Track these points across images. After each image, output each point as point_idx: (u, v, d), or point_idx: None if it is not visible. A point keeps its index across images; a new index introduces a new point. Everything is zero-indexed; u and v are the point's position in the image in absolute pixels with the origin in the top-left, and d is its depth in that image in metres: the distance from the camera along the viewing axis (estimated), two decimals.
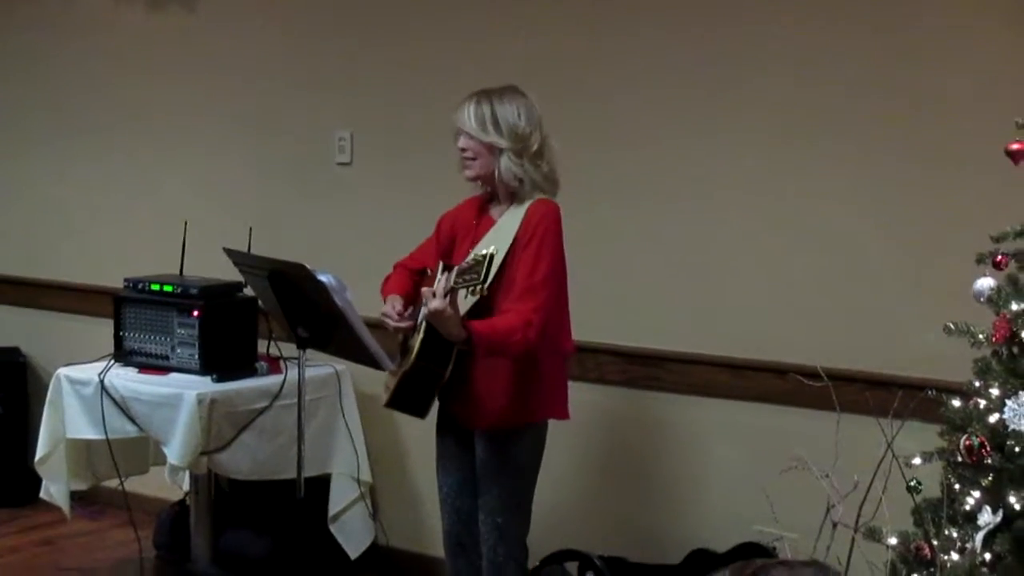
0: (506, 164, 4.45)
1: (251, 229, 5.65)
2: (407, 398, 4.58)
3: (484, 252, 4.11)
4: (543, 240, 4.39)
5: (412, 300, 4.67)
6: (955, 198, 4.77)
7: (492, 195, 4.63)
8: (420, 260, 4.80)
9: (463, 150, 4.50)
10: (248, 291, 5.57)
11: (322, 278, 4.39)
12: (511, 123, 4.45)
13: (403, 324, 4.56)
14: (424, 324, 4.39)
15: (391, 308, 4.59)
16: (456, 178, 4.61)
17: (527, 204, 4.48)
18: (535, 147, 4.48)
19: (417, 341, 4.41)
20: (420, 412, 4.64)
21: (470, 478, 4.66)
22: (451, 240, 4.69)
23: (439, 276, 4.36)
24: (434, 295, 4.19)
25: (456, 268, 4.19)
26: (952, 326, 3.85)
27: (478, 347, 4.31)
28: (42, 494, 5.85)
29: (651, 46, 5.37)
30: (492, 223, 4.57)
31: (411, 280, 4.75)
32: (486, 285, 4.11)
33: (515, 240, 4.41)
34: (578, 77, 5.51)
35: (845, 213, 5.00)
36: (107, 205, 6.89)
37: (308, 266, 4.44)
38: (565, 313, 4.58)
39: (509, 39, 5.66)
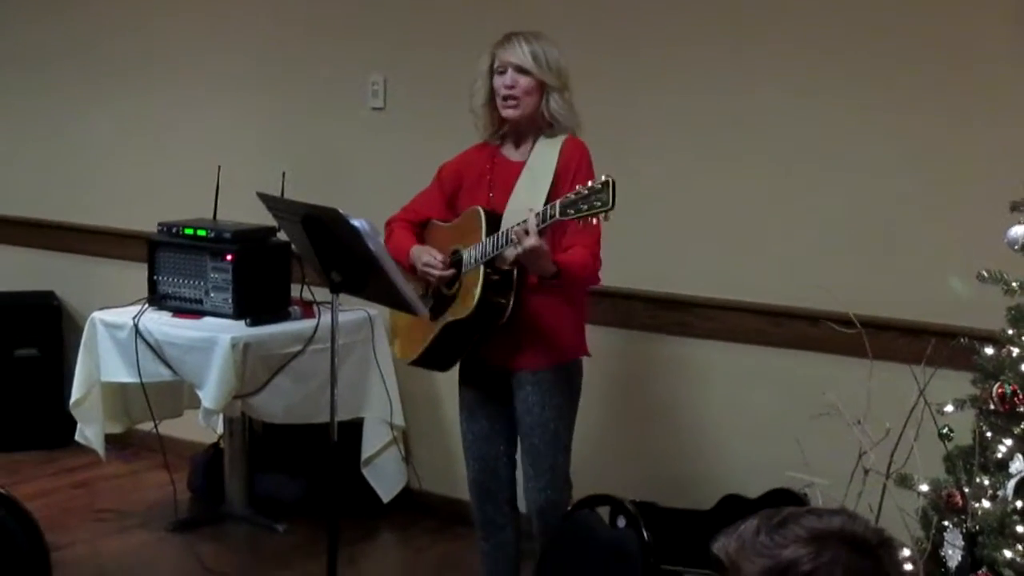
0: (556, 101, 4.46)
1: (284, 174, 5.66)
2: (443, 351, 4.58)
3: (598, 181, 4.07)
4: (586, 177, 4.32)
5: None
6: (989, 145, 4.75)
7: (504, 138, 4.61)
8: (421, 212, 4.75)
9: (511, 87, 4.47)
10: (281, 236, 5.59)
11: (355, 223, 4.38)
12: (557, 61, 4.47)
13: (448, 273, 4.52)
14: (483, 270, 4.38)
15: (433, 258, 4.53)
16: None
17: (559, 140, 4.48)
18: (568, 86, 4.51)
19: (478, 287, 4.38)
20: (447, 365, 4.65)
21: (497, 426, 4.66)
22: (456, 189, 4.67)
23: (481, 221, 4.40)
24: (527, 232, 4.17)
25: (560, 202, 4.14)
26: (985, 273, 3.83)
27: (564, 280, 4.34)
28: (77, 437, 5.89)
29: None
30: (512, 164, 4.57)
31: (416, 234, 4.71)
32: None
33: (556, 175, 4.41)
34: (610, 22, 5.48)
35: (879, 160, 4.98)
36: (140, 149, 6.89)
37: (342, 211, 4.44)
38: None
39: None
